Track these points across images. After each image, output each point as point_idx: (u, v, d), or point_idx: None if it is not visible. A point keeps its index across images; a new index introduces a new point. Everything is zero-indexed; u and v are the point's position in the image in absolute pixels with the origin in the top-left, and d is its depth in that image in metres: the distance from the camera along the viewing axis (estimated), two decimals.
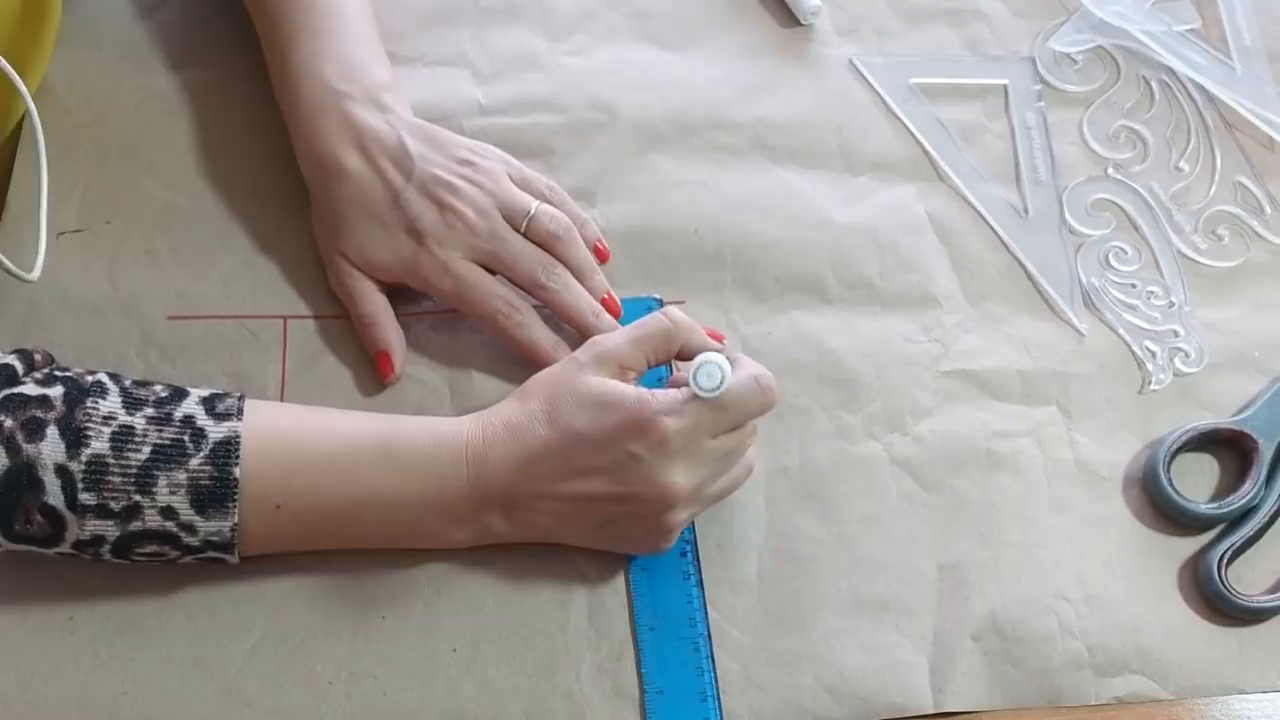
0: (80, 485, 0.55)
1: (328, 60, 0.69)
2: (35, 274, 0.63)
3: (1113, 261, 0.75)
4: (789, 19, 0.82)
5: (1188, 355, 0.72)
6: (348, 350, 0.68)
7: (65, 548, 0.57)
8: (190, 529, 0.57)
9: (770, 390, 0.61)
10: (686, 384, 0.59)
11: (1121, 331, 0.73)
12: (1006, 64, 0.82)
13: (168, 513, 0.56)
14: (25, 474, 0.54)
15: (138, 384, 0.58)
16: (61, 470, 0.55)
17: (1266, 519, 0.67)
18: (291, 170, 0.71)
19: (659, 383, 0.66)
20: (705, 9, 0.82)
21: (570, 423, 0.59)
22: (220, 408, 0.58)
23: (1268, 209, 0.78)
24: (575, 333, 0.68)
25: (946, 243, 0.75)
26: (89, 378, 0.57)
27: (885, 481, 0.67)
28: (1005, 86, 0.81)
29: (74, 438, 0.55)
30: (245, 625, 0.61)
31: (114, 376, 0.58)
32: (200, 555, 0.58)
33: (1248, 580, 0.66)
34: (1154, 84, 0.82)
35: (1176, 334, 0.73)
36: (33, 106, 0.66)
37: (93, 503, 0.55)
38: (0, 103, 0.69)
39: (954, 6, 0.84)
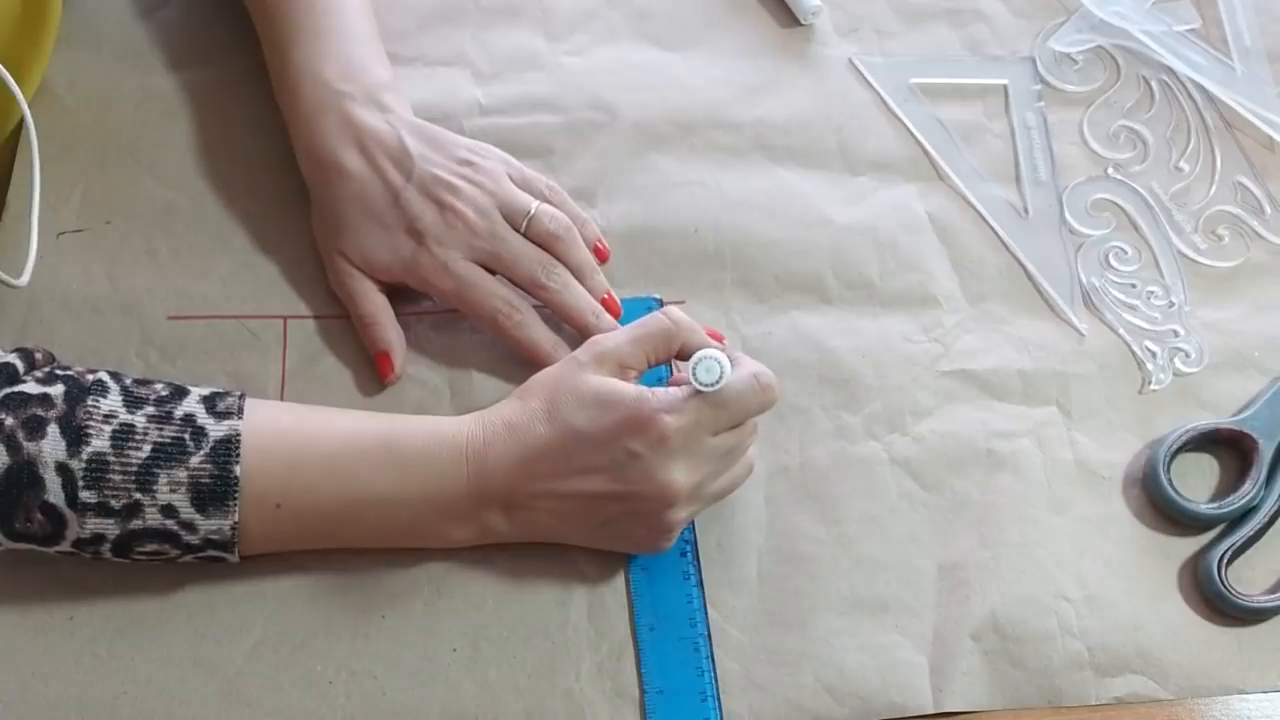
0: (81, 483, 0.55)
1: (328, 60, 0.69)
2: (24, 279, 0.63)
3: (1113, 261, 0.75)
4: (789, 19, 0.82)
5: (1188, 355, 0.72)
6: (348, 350, 0.68)
7: (65, 546, 0.57)
8: (190, 527, 0.57)
9: (770, 388, 0.61)
10: (687, 383, 0.59)
11: (1121, 331, 0.73)
12: (1006, 64, 0.82)
13: (168, 511, 0.56)
14: (26, 472, 0.54)
15: (138, 382, 0.58)
16: (62, 468, 0.55)
17: (1266, 519, 0.67)
18: (291, 170, 0.71)
19: (659, 382, 0.66)
20: (705, 9, 0.82)
21: (570, 421, 0.59)
22: (221, 406, 0.58)
23: (1268, 209, 0.78)
24: (575, 333, 0.68)
25: (946, 243, 0.75)
26: (90, 376, 0.57)
27: (885, 481, 0.67)
28: (1005, 86, 0.81)
29: (75, 436, 0.55)
30: (245, 625, 0.61)
31: (115, 375, 0.58)
32: (200, 554, 0.58)
33: (1248, 580, 0.66)
34: (1154, 84, 0.82)
35: (1176, 334, 0.73)
36: (28, 114, 0.66)
37: (93, 501, 0.55)
38: (0, 104, 0.69)
39: (954, 6, 0.84)
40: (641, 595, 0.63)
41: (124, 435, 0.56)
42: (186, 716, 0.59)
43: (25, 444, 0.54)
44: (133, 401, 0.57)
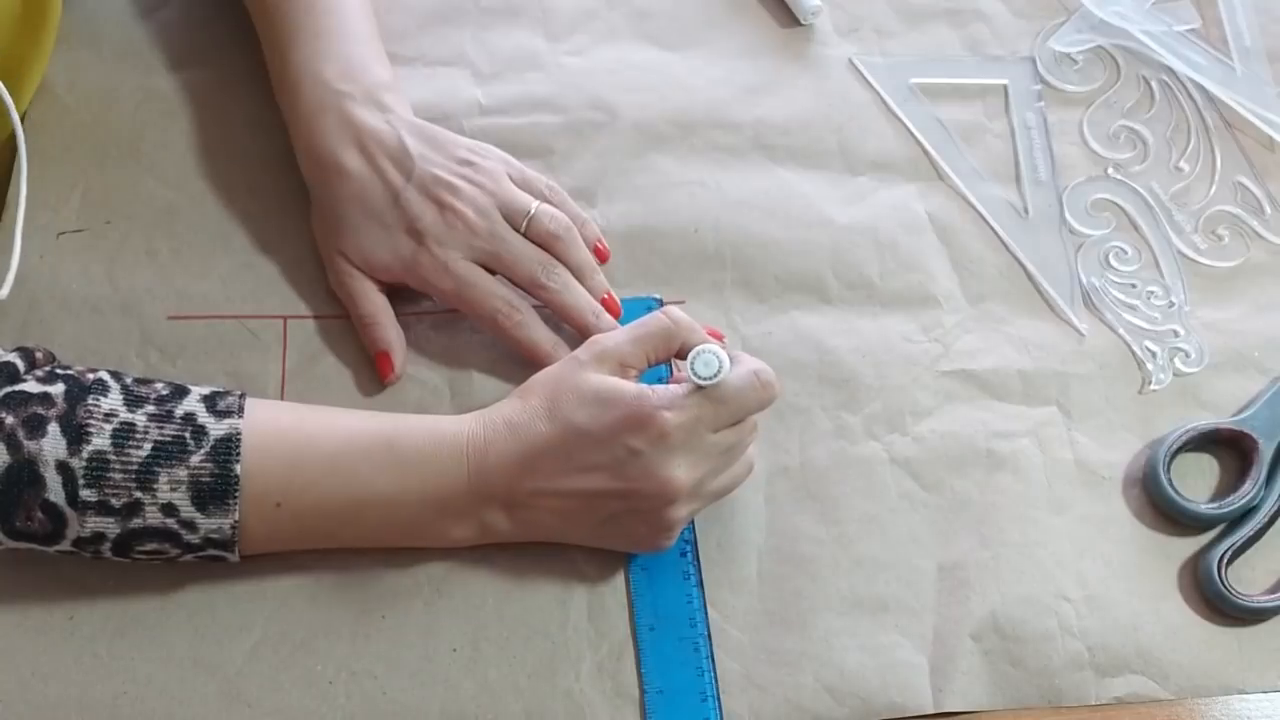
0: (81, 482, 0.55)
1: (328, 60, 0.69)
2: (3, 292, 0.63)
3: (1113, 261, 0.75)
4: (789, 19, 0.82)
5: (1188, 355, 0.72)
6: (348, 350, 0.68)
7: (66, 545, 0.57)
8: (191, 526, 0.57)
9: (770, 385, 0.61)
10: (687, 379, 0.59)
11: (1121, 331, 0.73)
12: (1006, 64, 0.82)
13: (168, 510, 0.56)
14: (26, 470, 0.54)
15: (139, 381, 0.58)
16: (62, 467, 0.55)
17: (1266, 519, 0.66)
18: (291, 170, 0.71)
19: (659, 381, 0.66)
20: (705, 9, 0.82)
21: (571, 419, 0.59)
22: (221, 405, 0.58)
23: (1268, 209, 0.78)
24: (575, 333, 0.68)
25: (946, 243, 0.75)
26: (90, 375, 0.57)
27: (885, 481, 0.67)
28: (1005, 86, 0.81)
29: (75, 434, 0.55)
30: (245, 625, 0.61)
31: (115, 374, 0.58)
32: (201, 553, 0.58)
33: (1248, 580, 0.66)
34: (1154, 84, 0.82)
35: (1176, 334, 0.73)
36: (19, 127, 0.66)
37: (93, 499, 0.55)
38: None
39: (954, 6, 0.84)
40: (641, 595, 0.63)
41: (124, 434, 0.56)
42: (186, 716, 0.59)
43: (26, 442, 0.54)
44: (133, 400, 0.57)
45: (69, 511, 0.55)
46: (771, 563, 0.65)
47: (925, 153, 0.78)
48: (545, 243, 0.68)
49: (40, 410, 0.55)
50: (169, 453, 0.56)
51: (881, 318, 0.72)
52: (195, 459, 0.56)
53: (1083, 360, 0.72)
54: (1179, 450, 0.68)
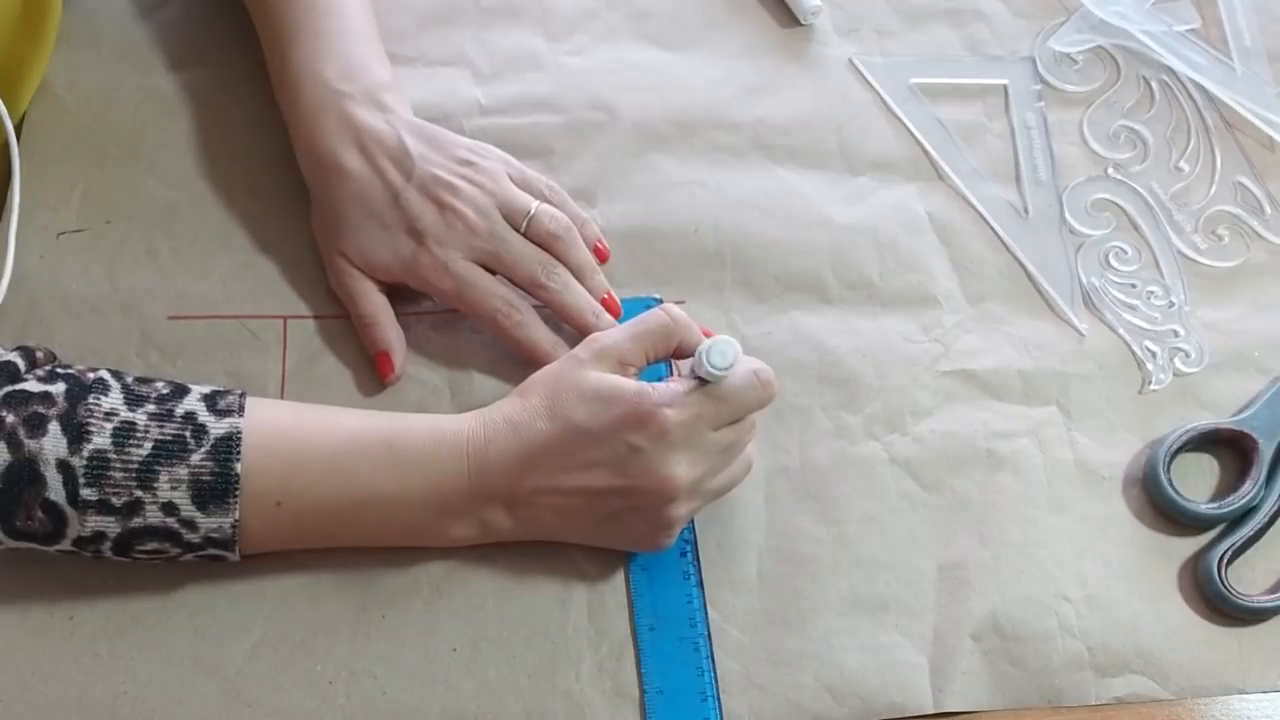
0: (82, 481, 0.55)
1: (328, 60, 0.69)
2: None
3: (1113, 261, 0.75)
4: (789, 19, 0.82)
5: (1188, 355, 0.72)
6: (348, 350, 0.68)
7: (66, 545, 0.57)
8: (191, 525, 0.57)
9: (770, 384, 0.61)
10: (695, 368, 0.59)
11: (1121, 331, 0.73)
12: (1006, 64, 0.82)
13: (169, 509, 0.56)
14: (27, 469, 0.54)
15: (139, 380, 0.58)
16: (63, 466, 0.55)
17: (1266, 519, 0.66)
18: (291, 170, 0.71)
19: (657, 379, 0.65)
20: (705, 9, 0.82)
21: (571, 416, 0.59)
22: (221, 404, 0.58)
23: (1268, 209, 0.78)
24: (575, 332, 0.68)
25: (946, 243, 0.75)
26: (91, 374, 0.57)
27: (885, 481, 0.67)
28: (1005, 86, 0.81)
29: (76, 433, 0.55)
30: (246, 625, 0.61)
31: (116, 373, 0.58)
32: (201, 553, 0.58)
33: (1248, 580, 0.66)
34: (1154, 84, 0.82)
35: (1176, 334, 0.73)
36: (13, 139, 0.66)
37: (94, 498, 0.55)
38: None
39: (954, 6, 0.84)
40: (641, 595, 0.63)
41: (125, 433, 0.56)
42: (186, 716, 0.59)
43: (26, 441, 0.54)
44: (134, 399, 0.57)
45: (69, 510, 0.55)
46: (771, 563, 0.65)
47: (925, 153, 0.78)
48: (545, 243, 0.68)
49: (41, 409, 0.55)
50: (169, 452, 0.56)
51: (881, 318, 0.72)
52: (196, 458, 0.56)
53: (1083, 360, 0.72)
54: (1179, 450, 0.68)
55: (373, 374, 0.68)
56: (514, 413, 0.60)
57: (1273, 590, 0.65)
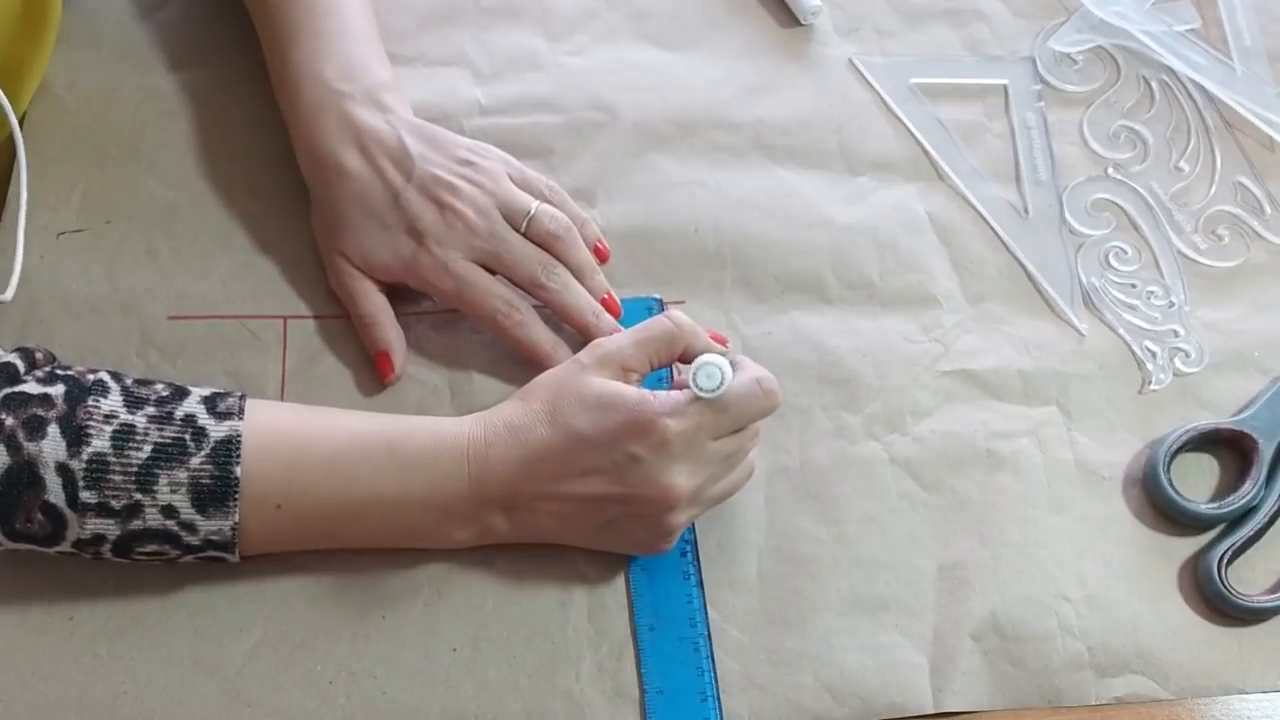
0: (81, 483, 0.55)
1: (328, 60, 0.69)
2: (9, 294, 0.63)
3: (1113, 261, 0.75)
4: (789, 19, 0.82)
5: (1188, 355, 0.72)
6: (348, 350, 0.68)
7: (65, 547, 0.57)
8: (191, 528, 0.57)
9: (773, 394, 0.61)
10: (688, 387, 0.59)
11: (1121, 331, 0.73)
12: (1006, 64, 0.82)
13: (168, 511, 0.56)
14: (26, 472, 0.54)
15: (139, 383, 0.58)
16: (62, 468, 0.55)
17: (1266, 519, 0.66)
18: (291, 170, 0.71)
19: (660, 385, 0.66)
20: (705, 9, 0.82)
21: (572, 423, 0.59)
22: (221, 407, 0.58)
23: (1268, 209, 0.78)
24: (575, 333, 0.68)
25: (946, 243, 0.75)
26: (90, 376, 0.57)
27: (885, 481, 0.67)
28: (1005, 86, 0.81)
29: (75, 436, 0.55)
30: (245, 625, 0.61)
31: (115, 375, 0.58)
32: (201, 555, 0.58)
33: (1248, 580, 0.66)
34: (1154, 84, 0.82)
35: (1176, 334, 0.73)
36: (18, 132, 0.66)
37: (93, 501, 0.55)
38: None
39: (954, 6, 0.84)
40: (641, 595, 0.63)
41: (124, 435, 0.55)
42: (186, 716, 0.59)
43: (26, 444, 0.54)
44: (133, 402, 0.57)
45: (69, 513, 0.55)
46: (771, 563, 0.65)
47: (925, 153, 0.78)
48: (545, 243, 0.68)
49: (40, 411, 0.55)
50: (169, 454, 0.56)
51: (881, 318, 0.72)
52: (195, 461, 0.56)
53: (1083, 360, 0.72)
54: (1179, 450, 0.68)
55: (373, 374, 0.68)
56: (515, 417, 0.60)
57: (1273, 590, 0.65)
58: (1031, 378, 0.71)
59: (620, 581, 0.64)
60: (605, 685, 0.61)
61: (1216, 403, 0.71)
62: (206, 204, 0.72)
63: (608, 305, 0.68)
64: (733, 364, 0.60)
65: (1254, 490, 0.67)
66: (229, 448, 0.56)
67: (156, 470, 0.55)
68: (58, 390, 0.56)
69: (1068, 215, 0.76)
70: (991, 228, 0.75)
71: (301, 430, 0.59)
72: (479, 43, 0.79)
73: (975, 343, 0.72)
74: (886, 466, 0.67)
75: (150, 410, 0.57)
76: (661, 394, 0.59)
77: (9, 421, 0.55)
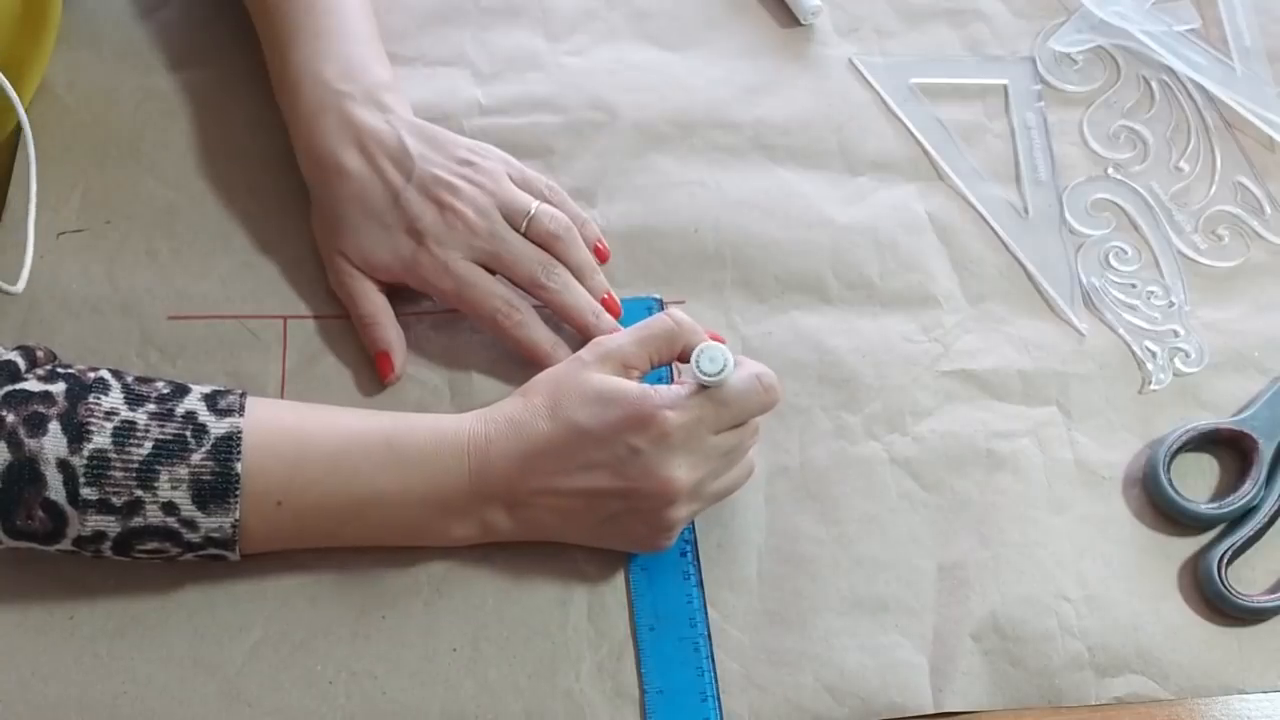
0: (82, 480, 0.55)
1: (328, 60, 0.69)
2: (20, 286, 0.64)
3: (1113, 261, 0.75)
4: (789, 19, 0.82)
5: (1188, 355, 0.72)
6: (348, 350, 0.68)
7: (66, 544, 0.57)
8: (191, 525, 0.57)
9: (773, 389, 0.61)
10: (691, 371, 0.59)
11: (1121, 331, 0.73)
12: (1006, 64, 0.82)
13: (169, 508, 0.56)
14: (27, 469, 0.54)
15: (140, 380, 0.58)
16: (63, 465, 0.55)
17: (1266, 519, 0.66)
18: (291, 170, 0.71)
19: (660, 382, 0.66)
20: (705, 9, 0.82)
21: (572, 417, 0.59)
22: (222, 404, 0.58)
23: (1268, 209, 0.78)
24: (575, 332, 0.68)
25: (946, 243, 0.75)
26: (91, 374, 0.57)
27: (885, 481, 0.67)
28: (1005, 86, 0.81)
29: (76, 433, 0.55)
30: (246, 624, 0.61)
31: (116, 373, 0.58)
32: (201, 552, 0.58)
33: (1248, 580, 0.66)
34: (1154, 84, 0.82)
35: (1176, 334, 0.73)
36: (25, 123, 0.66)
37: (94, 498, 0.55)
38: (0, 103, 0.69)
39: (954, 6, 0.84)
40: (641, 595, 0.63)
41: (125, 432, 0.55)
42: (186, 716, 0.59)
43: (27, 441, 0.54)
44: (134, 399, 0.57)
45: (70, 510, 0.55)
46: (771, 563, 0.65)
47: (925, 153, 0.78)
48: (545, 243, 0.68)
49: (41, 408, 0.55)
50: (170, 451, 0.56)
51: (881, 318, 0.72)
52: (196, 457, 0.56)
53: (1083, 360, 0.72)
54: (1179, 450, 0.68)
55: (373, 374, 0.68)
56: (515, 413, 0.60)
57: (1273, 590, 0.65)
58: (1031, 378, 0.71)
59: (620, 581, 0.63)
60: (605, 685, 0.61)
61: (1216, 403, 0.71)
62: (206, 204, 0.72)
63: (608, 305, 0.69)
64: (734, 361, 0.60)
65: (1254, 490, 0.67)
66: (230, 444, 0.57)
67: (157, 467, 0.55)
68: (59, 388, 0.56)
69: (1068, 215, 0.76)
70: (991, 228, 0.75)
71: (302, 427, 0.59)
72: (479, 43, 0.79)
73: (975, 343, 0.72)
74: (886, 466, 0.67)
75: (151, 407, 0.57)
76: (662, 388, 0.59)
77: (10, 418, 0.55)
